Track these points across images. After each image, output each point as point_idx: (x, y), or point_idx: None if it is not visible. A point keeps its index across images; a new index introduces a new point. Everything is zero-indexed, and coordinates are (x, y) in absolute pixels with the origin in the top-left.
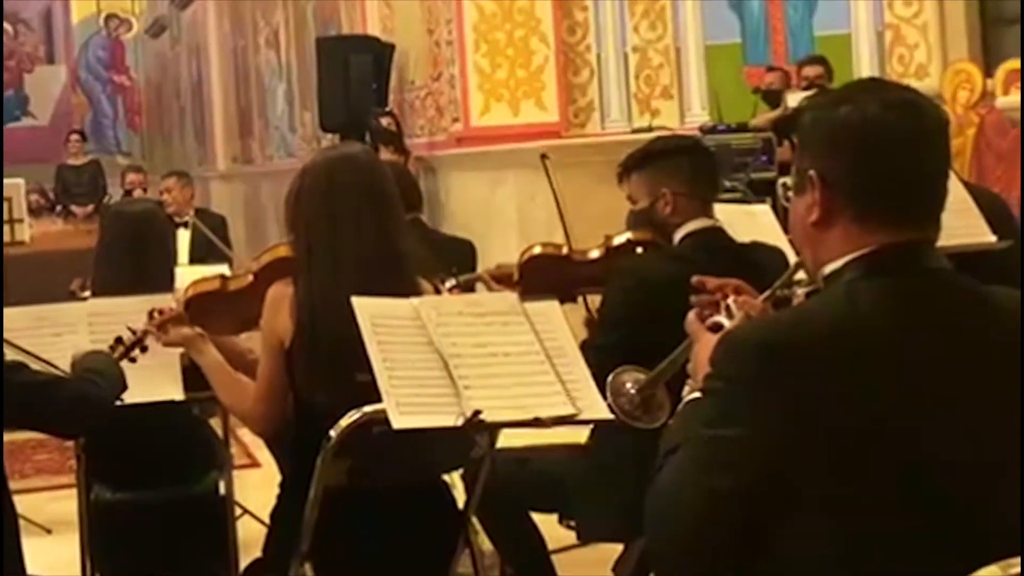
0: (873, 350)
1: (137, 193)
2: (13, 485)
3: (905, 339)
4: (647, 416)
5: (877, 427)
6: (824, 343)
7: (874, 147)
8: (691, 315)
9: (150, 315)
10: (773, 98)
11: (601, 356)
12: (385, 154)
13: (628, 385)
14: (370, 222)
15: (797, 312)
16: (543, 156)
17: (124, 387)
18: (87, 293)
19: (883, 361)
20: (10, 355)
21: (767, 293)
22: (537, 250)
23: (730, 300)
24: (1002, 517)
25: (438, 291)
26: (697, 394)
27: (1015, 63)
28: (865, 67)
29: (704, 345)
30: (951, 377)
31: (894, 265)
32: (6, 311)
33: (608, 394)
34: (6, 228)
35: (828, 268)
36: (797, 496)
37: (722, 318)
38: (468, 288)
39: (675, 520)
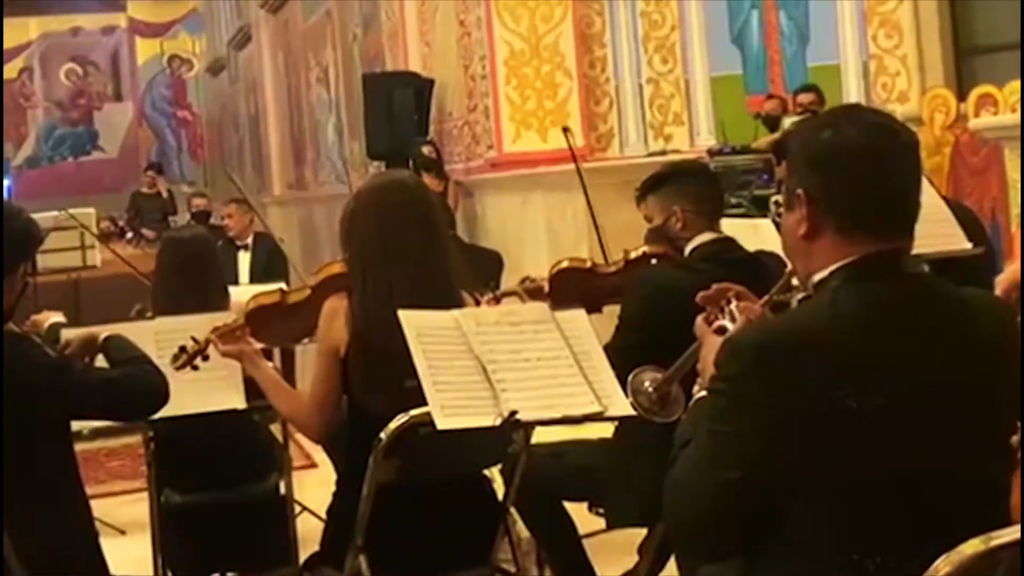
0: (856, 348)
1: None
2: (90, 490)
3: (885, 337)
4: (664, 411)
5: (862, 417)
6: (812, 343)
7: (853, 167)
8: (699, 320)
9: (214, 328)
10: (772, 123)
11: (621, 357)
12: (427, 179)
13: (646, 384)
14: (417, 240)
15: (790, 317)
16: (566, 130)
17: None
18: (149, 314)
19: (865, 357)
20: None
21: (765, 299)
22: (564, 264)
23: (732, 305)
24: (981, 497)
25: (477, 302)
26: (705, 392)
27: (985, 88)
28: (853, 94)
29: (711, 347)
30: (929, 370)
31: (875, 272)
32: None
33: (628, 392)
34: (78, 253)
35: (817, 276)
36: (796, 482)
37: (726, 322)
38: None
39: (688, 508)
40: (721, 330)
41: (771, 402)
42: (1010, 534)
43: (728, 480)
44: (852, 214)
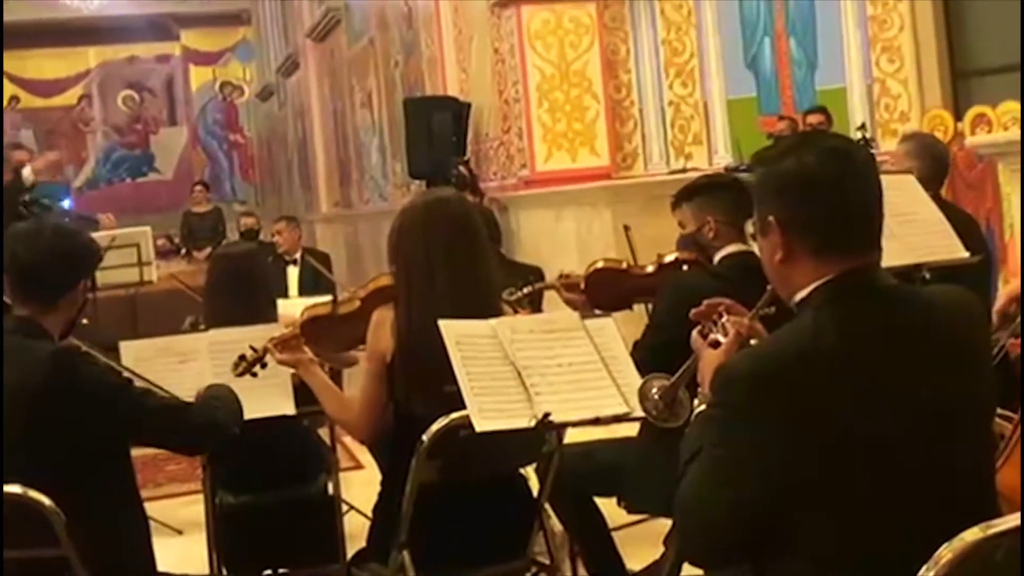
0: (840, 366)
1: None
2: (148, 493)
3: (866, 353)
4: (672, 416)
5: (852, 432)
6: (799, 368)
7: (816, 192)
8: (694, 333)
9: (271, 338)
10: None
11: (649, 354)
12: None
13: (654, 391)
14: (460, 254)
15: (777, 340)
16: (626, 228)
17: (241, 414)
18: (202, 327)
19: (850, 372)
20: (137, 383)
21: (752, 313)
22: (600, 264)
23: (724, 320)
24: (970, 492)
25: (516, 311)
26: (705, 407)
27: (980, 108)
28: (858, 115)
29: (707, 360)
30: (913, 376)
31: (851, 289)
32: (136, 342)
33: (637, 399)
34: (136, 270)
35: (798, 296)
36: (795, 500)
37: (719, 335)
38: (540, 295)
39: (694, 523)
40: (715, 344)
41: (765, 426)
42: (1008, 522)
43: (728, 501)
44: (822, 237)
